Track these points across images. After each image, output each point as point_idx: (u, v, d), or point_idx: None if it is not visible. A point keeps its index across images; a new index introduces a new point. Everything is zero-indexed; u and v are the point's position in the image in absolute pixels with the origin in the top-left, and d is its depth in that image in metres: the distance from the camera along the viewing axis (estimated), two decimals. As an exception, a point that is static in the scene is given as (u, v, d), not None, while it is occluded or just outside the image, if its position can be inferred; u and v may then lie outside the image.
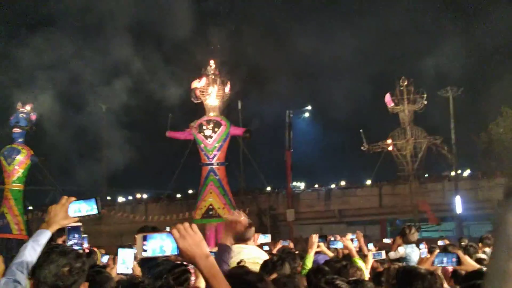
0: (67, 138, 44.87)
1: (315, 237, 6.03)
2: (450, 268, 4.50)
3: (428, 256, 7.78)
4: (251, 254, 5.06)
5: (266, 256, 5.27)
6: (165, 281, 2.23)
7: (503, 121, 33.28)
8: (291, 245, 11.82)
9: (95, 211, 3.33)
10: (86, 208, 3.31)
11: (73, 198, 3.32)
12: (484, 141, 33.70)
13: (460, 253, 4.11)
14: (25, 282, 2.97)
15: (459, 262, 3.99)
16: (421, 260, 5.07)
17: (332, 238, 6.23)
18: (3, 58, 43.15)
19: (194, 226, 2.19)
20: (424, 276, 3.21)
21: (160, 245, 2.20)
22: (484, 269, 4.09)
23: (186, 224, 2.17)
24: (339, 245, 6.98)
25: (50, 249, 2.82)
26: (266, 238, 9.82)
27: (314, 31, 60.03)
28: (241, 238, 5.17)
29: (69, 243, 3.78)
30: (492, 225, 38.27)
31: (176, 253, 2.18)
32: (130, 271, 4.02)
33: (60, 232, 3.90)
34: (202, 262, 2.12)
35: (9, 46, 45.59)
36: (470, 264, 4.01)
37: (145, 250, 2.19)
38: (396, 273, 3.44)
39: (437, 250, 4.29)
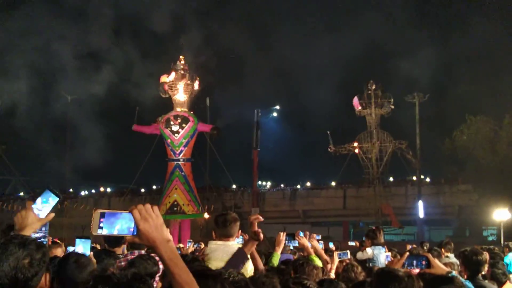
0: (30, 127, 44.03)
1: (282, 235, 5.85)
2: (415, 271, 4.48)
3: (393, 259, 7.80)
4: (228, 252, 4.60)
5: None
6: (136, 272, 2.11)
7: (467, 129, 33.75)
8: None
9: (56, 198, 3.19)
10: (48, 199, 3.20)
11: (31, 202, 3.17)
12: (448, 148, 34.11)
13: (430, 256, 4.09)
14: None
15: (428, 265, 3.98)
16: (391, 263, 5.04)
17: (301, 234, 6.11)
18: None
19: (156, 209, 2.06)
20: (401, 279, 3.16)
21: (117, 224, 2.08)
22: (454, 272, 4.06)
23: (148, 206, 2.03)
24: (295, 243, 6.84)
25: (8, 240, 2.62)
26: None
27: (287, 32, 60.25)
28: (224, 234, 4.80)
29: (35, 235, 3.63)
30: (452, 230, 38.99)
31: (134, 234, 2.04)
32: None
33: None
34: (163, 246, 2.01)
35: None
36: (439, 267, 4.00)
37: (101, 228, 2.07)
38: (374, 275, 3.40)
39: (407, 253, 4.27)
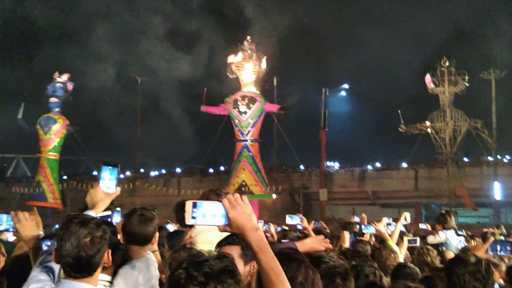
0: (103, 109, 45.30)
1: (346, 234, 6.38)
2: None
3: (465, 244, 7.39)
4: (217, 233, 4.12)
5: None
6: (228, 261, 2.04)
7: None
8: (324, 225, 11.59)
9: (115, 168, 3.46)
10: (112, 172, 3.44)
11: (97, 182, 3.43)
12: (525, 126, 32.62)
13: (516, 241, 3.74)
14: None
15: (514, 250, 3.65)
16: (474, 248, 4.74)
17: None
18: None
19: (245, 197, 2.18)
20: (467, 263, 2.98)
21: (209, 213, 2.18)
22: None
23: (237, 195, 2.17)
24: (371, 229, 6.98)
25: (69, 220, 2.82)
26: (294, 220, 7.48)
27: (356, 8, 58.90)
28: None
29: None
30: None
31: (225, 224, 2.15)
32: None
33: None
34: (252, 234, 2.10)
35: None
36: (527, 254, 3.65)
37: (194, 218, 2.16)
38: (448, 260, 3.24)
39: (492, 238, 3.93)
